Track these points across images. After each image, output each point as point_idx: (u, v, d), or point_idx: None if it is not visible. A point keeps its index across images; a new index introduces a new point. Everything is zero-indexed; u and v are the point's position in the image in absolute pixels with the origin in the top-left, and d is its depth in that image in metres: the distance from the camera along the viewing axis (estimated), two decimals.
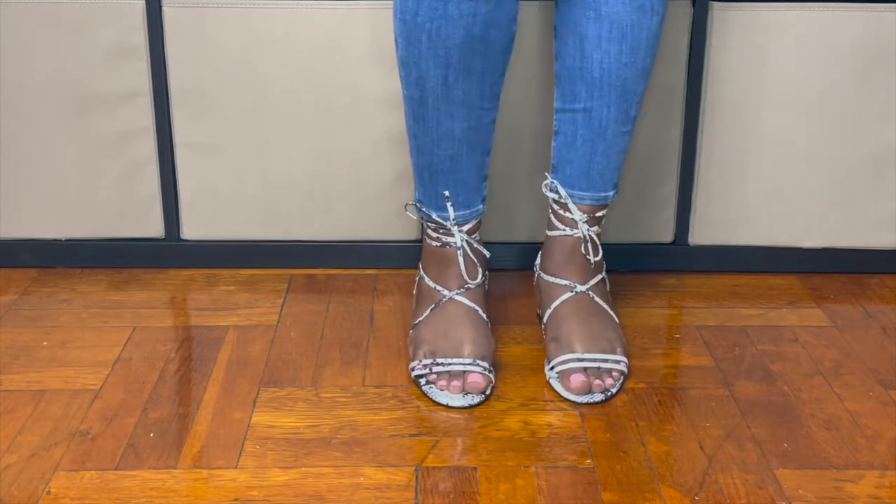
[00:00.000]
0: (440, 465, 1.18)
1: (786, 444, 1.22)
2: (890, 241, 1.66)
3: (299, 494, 1.13)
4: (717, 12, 1.56)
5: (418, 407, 1.29)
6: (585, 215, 1.38)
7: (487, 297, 1.46)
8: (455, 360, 1.32)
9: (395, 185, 1.63)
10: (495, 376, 1.35)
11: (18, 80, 1.57)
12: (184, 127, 1.61)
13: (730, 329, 1.50)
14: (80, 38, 1.56)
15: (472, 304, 1.38)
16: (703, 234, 1.67)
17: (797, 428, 1.26)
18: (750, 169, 1.63)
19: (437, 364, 1.32)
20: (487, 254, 1.42)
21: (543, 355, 1.40)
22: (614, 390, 1.32)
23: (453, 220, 1.37)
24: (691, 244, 1.68)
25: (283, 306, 1.55)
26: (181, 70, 1.58)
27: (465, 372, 1.31)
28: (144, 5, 1.55)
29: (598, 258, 1.40)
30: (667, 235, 1.67)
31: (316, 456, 1.19)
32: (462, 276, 1.38)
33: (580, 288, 1.39)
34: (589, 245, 1.39)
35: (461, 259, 1.38)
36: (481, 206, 1.40)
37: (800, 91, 1.59)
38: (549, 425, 1.26)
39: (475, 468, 1.17)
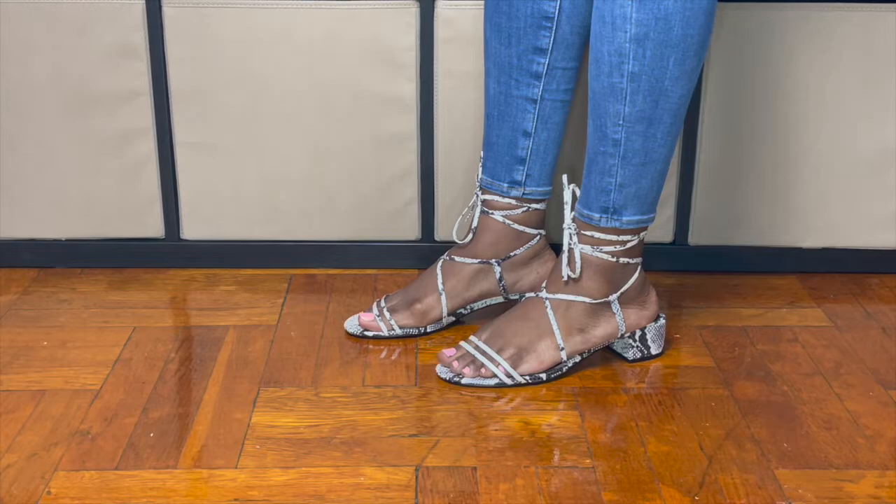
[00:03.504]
0: (440, 465, 1.18)
1: (786, 444, 1.22)
2: (890, 241, 1.66)
3: (299, 494, 1.13)
4: (717, 12, 1.56)
5: (418, 407, 1.29)
6: (574, 225, 1.34)
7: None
8: None
9: (395, 185, 1.63)
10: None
11: (19, 79, 1.57)
12: (184, 127, 1.61)
13: (730, 329, 1.50)
14: (80, 38, 1.56)
15: (440, 259, 1.47)
16: (702, 234, 1.67)
17: (797, 428, 1.26)
18: (750, 169, 1.63)
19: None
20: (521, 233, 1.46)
21: None
22: (464, 381, 1.33)
23: (479, 180, 1.46)
24: (691, 244, 1.68)
25: (283, 306, 1.55)
26: (181, 70, 1.58)
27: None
28: (144, 5, 1.55)
29: (575, 276, 1.33)
30: (667, 235, 1.67)
31: (316, 456, 1.19)
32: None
33: (542, 294, 1.36)
34: (565, 256, 1.34)
35: (474, 219, 1.45)
36: (505, 185, 1.43)
37: (800, 91, 1.59)
38: (549, 425, 1.26)
39: (475, 468, 1.17)
